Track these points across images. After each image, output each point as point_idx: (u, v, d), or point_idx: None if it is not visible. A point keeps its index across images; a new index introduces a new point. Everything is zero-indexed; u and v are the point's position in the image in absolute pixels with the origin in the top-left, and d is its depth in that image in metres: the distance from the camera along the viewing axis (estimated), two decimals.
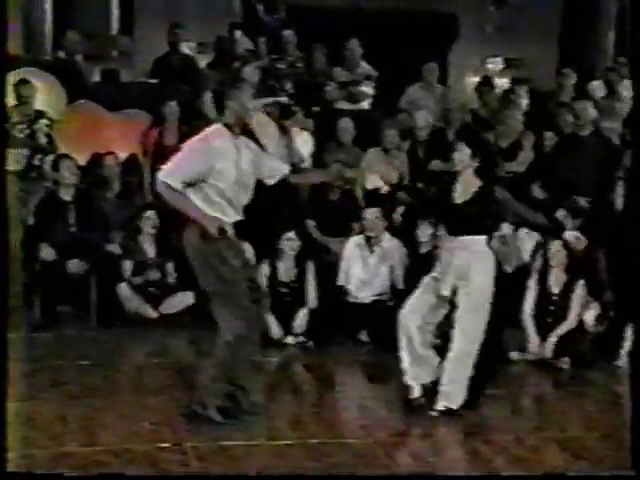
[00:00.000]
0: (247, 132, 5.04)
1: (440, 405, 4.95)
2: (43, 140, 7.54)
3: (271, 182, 4.95)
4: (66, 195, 7.09)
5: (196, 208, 4.56)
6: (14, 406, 4.87)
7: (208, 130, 4.67)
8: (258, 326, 4.82)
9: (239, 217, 4.71)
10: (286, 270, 6.72)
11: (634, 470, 3.60)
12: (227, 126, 4.66)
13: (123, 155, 7.72)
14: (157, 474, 4.05)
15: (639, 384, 3.67)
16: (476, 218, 4.96)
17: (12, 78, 7.68)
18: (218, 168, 4.55)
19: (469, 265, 4.93)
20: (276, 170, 4.95)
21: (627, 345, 6.13)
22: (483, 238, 5.01)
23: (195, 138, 4.66)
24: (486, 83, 9.32)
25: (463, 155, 4.98)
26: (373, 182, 5.64)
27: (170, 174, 4.53)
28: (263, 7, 9.80)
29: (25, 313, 6.90)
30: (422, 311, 5.01)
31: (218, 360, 4.64)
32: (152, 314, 6.94)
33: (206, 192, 4.58)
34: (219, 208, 4.60)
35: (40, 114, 7.58)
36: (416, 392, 5.04)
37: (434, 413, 4.94)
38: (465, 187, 4.99)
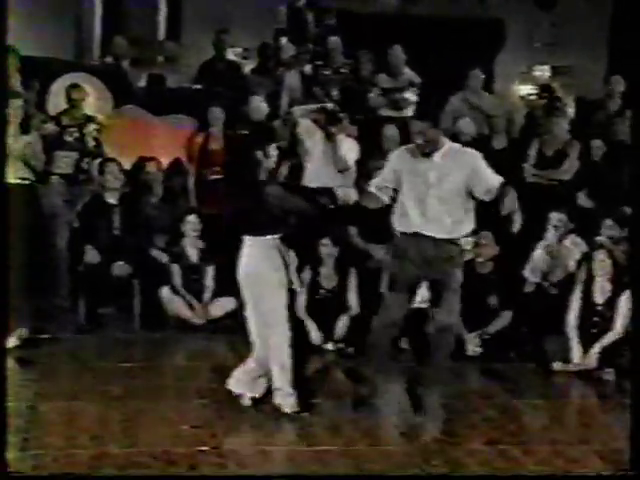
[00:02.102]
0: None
1: None
2: (92, 144, 7.63)
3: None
4: (111, 198, 7.16)
5: None
6: (57, 405, 4.97)
7: None
8: None
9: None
10: (327, 276, 6.73)
11: (634, 470, 3.52)
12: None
13: (167, 160, 7.79)
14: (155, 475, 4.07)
15: (639, 384, 3.60)
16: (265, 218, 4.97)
17: (62, 82, 7.82)
18: None
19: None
20: None
21: None
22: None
23: None
24: (545, 90, 9.22)
25: None
26: None
27: None
28: (312, 14, 9.81)
29: (70, 315, 7.00)
30: None
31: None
32: (194, 318, 6.98)
33: None
34: None
35: (89, 118, 7.68)
36: None
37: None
38: None
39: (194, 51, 9.68)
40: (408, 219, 5.31)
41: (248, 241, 5.01)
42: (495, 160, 7.64)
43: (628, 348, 6.06)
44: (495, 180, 5.24)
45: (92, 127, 7.62)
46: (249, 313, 5.08)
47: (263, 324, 4.98)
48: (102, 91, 7.98)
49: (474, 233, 6.70)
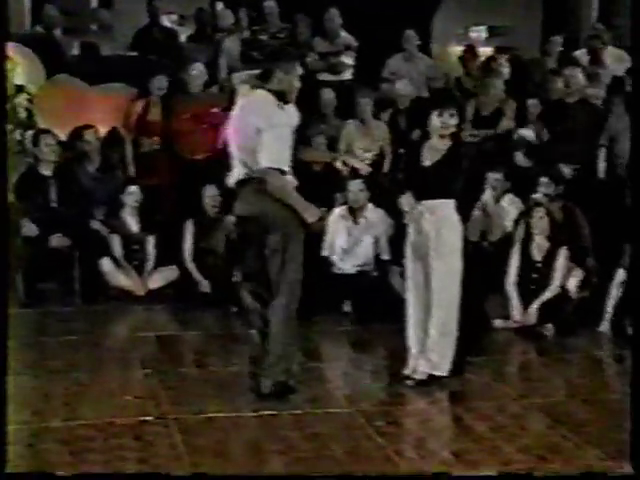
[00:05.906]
0: None
1: (421, 373, 4.96)
2: (23, 115, 7.48)
3: None
4: (46, 170, 7.03)
5: (299, 197, 4.63)
6: None
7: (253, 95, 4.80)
8: None
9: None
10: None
11: (634, 470, 3.60)
12: (272, 92, 4.76)
13: (104, 129, 7.66)
14: (157, 473, 4.02)
15: (639, 382, 3.66)
16: (444, 181, 4.86)
17: None
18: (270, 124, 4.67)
19: (438, 230, 4.86)
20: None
21: (609, 311, 6.20)
22: (451, 202, 4.90)
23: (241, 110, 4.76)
24: (469, 51, 9.29)
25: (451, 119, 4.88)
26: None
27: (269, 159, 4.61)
28: None
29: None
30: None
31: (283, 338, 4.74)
32: (136, 289, 6.93)
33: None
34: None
35: (20, 89, 7.51)
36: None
37: (410, 382, 4.96)
38: (433, 150, 4.93)
39: (128, 18, 9.51)
40: None
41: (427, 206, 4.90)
42: None
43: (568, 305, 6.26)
44: None
45: (23, 98, 7.47)
46: None
47: None
48: (33, 61, 7.82)
49: None
